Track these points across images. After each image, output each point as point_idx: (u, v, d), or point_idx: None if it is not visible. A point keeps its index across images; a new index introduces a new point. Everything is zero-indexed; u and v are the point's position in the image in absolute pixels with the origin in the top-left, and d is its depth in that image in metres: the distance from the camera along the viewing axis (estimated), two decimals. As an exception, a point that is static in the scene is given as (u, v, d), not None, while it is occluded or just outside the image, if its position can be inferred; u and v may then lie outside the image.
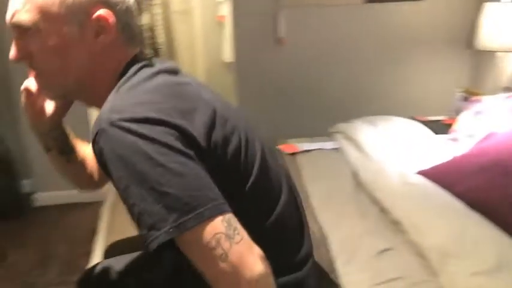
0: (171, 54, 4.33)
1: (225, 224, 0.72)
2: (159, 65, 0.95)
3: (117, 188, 0.75)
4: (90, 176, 1.14)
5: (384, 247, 1.47)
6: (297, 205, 1.03)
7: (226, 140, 0.85)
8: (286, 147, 2.30)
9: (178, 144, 0.74)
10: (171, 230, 0.70)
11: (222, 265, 0.71)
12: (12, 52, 0.85)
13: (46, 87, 0.91)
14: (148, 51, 4.15)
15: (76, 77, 0.88)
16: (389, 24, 2.93)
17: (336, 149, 2.25)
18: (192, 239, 0.72)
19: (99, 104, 0.89)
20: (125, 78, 0.87)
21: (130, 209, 0.74)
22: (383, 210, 1.69)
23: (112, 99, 0.81)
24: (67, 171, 1.11)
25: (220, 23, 4.38)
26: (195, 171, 0.73)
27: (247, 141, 0.92)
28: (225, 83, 4.49)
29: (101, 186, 1.18)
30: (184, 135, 0.76)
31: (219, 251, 0.71)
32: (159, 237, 0.71)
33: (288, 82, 2.97)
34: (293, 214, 0.99)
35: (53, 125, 1.02)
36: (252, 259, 0.73)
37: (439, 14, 2.93)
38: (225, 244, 0.71)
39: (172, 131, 0.75)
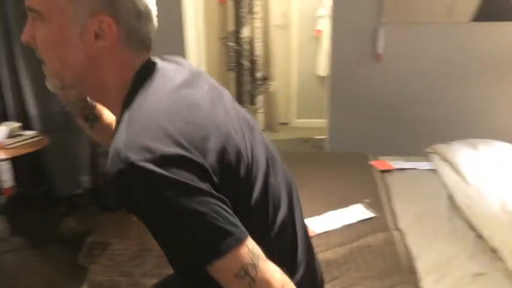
0: (267, 65, 4.48)
1: (250, 255, 0.77)
2: (172, 74, 0.90)
3: (149, 229, 0.77)
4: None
5: (478, 271, 1.40)
6: (291, 213, 1.03)
7: (237, 165, 0.85)
8: (378, 164, 2.26)
9: (198, 183, 0.75)
10: (204, 258, 0.75)
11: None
12: (23, 33, 0.86)
13: (48, 75, 0.90)
14: (245, 63, 4.30)
15: (74, 74, 0.87)
16: (496, 43, 2.77)
17: (431, 170, 2.17)
18: (220, 268, 0.76)
19: (108, 107, 0.93)
20: (139, 97, 0.82)
21: (166, 251, 0.78)
22: (479, 236, 1.61)
23: (126, 130, 0.77)
24: (92, 133, 1.16)
25: (317, 37, 4.46)
26: (214, 207, 0.76)
27: (252, 159, 0.90)
28: (318, 97, 4.54)
29: None
30: (202, 170, 0.77)
31: (247, 280, 0.76)
32: (189, 270, 0.77)
33: (383, 98, 2.92)
34: (289, 223, 1.00)
35: (79, 98, 1.05)
36: (275, 277, 0.79)
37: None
38: (252, 272, 0.76)
39: (192, 168, 0.75)
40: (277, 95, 4.59)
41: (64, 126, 3.00)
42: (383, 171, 2.23)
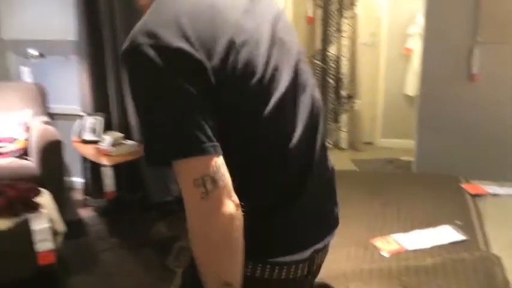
0: (353, 84, 4.48)
1: (214, 169, 0.79)
2: None
3: (135, 105, 0.83)
4: None
5: None
6: (310, 148, 0.98)
7: (244, 74, 0.85)
8: (470, 187, 2.18)
9: (189, 83, 0.78)
10: (166, 153, 0.79)
11: (201, 201, 0.79)
12: None
13: None
14: (330, 81, 4.33)
15: None
16: None
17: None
18: (181, 169, 0.79)
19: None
20: None
21: (141, 125, 0.83)
22: None
23: (146, 16, 0.84)
24: None
25: (406, 56, 4.38)
26: (196, 114, 0.78)
27: (268, 75, 0.89)
28: (404, 116, 4.45)
29: None
30: (199, 67, 0.79)
31: (201, 190, 0.78)
32: (152, 157, 0.82)
33: (476, 120, 2.81)
34: (301, 153, 0.95)
35: None
36: (228, 204, 0.80)
37: None
38: (209, 186, 0.78)
39: (189, 64, 0.78)
40: (362, 114, 4.55)
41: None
42: (475, 195, 2.15)
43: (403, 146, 4.48)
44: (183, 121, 0.79)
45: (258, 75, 0.87)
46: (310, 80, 1.01)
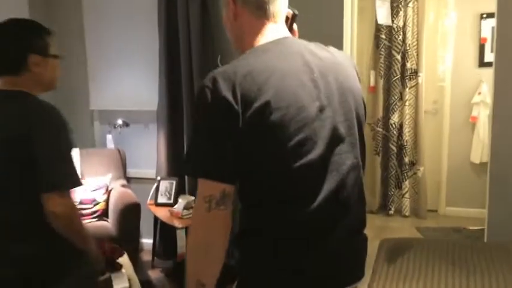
0: (416, 151, 4.47)
1: (220, 194, 1.01)
2: (272, 46, 1.11)
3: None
4: None
5: None
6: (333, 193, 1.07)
7: (274, 128, 1.01)
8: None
9: (224, 119, 1.00)
10: (194, 169, 1.05)
11: (204, 212, 1.01)
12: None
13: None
14: (393, 148, 4.34)
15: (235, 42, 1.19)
16: None
17: None
18: (200, 184, 1.02)
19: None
20: (245, 55, 1.10)
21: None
22: None
23: (230, 63, 1.08)
24: None
25: (471, 124, 4.36)
26: (224, 144, 1.00)
27: (306, 133, 1.03)
28: (470, 184, 4.35)
29: None
30: (234, 114, 0.99)
31: (206, 206, 1.01)
32: (185, 169, 1.11)
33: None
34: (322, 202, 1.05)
35: None
36: (220, 223, 1.03)
37: None
38: (213, 205, 1.01)
39: (228, 108, 0.99)
40: (426, 181, 4.50)
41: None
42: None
43: (468, 214, 4.35)
44: (210, 150, 1.01)
45: (283, 140, 1.02)
46: (348, 161, 1.11)
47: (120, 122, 3.49)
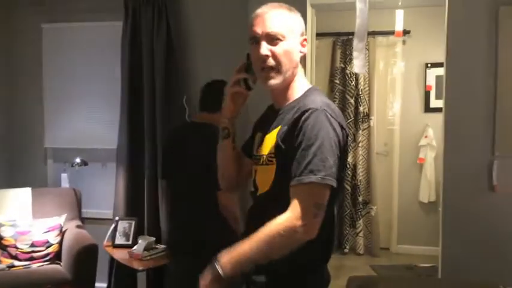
0: (369, 190, 4.64)
1: (325, 201, 1.25)
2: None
3: (298, 145, 1.26)
4: (238, 170, 1.55)
5: None
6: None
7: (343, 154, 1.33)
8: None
9: (338, 143, 1.27)
10: (319, 178, 1.22)
11: (307, 217, 1.21)
12: (263, 51, 1.34)
13: (273, 77, 1.36)
14: (347, 187, 4.47)
15: (291, 71, 1.38)
16: None
17: None
18: (313, 190, 1.24)
19: (282, 92, 1.40)
20: (311, 88, 1.42)
21: (302, 158, 1.25)
22: None
23: (311, 98, 1.35)
24: (230, 157, 1.52)
25: (419, 165, 4.61)
26: (335, 159, 1.26)
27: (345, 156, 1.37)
28: (420, 223, 4.55)
29: (239, 186, 1.63)
30: (342, 140, 1.30)
31: (315, 212, 1.22)
32: (312, 177, 1.23)
33: (499, 229, 2.90)
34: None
35: (237, 114, 1.49)
36: (316, 226, 1.23)
37: None
38: (321, 212, 1.23)
39: (341, 133, 1.29)
40: (378, 220, 4.65)
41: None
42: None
43: (418, 252, 4.53)
44: (335, 164, 1.27)
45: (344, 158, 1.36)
46: None
47: (78, 160, 3.38)
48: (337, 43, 4.60)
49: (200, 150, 2.21)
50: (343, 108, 4.61)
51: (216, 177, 1.59)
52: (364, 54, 2.87)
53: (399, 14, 3.85)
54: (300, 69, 1.43)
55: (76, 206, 3.38)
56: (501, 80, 2.85)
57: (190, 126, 2.64)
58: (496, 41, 2.84)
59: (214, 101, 2.41)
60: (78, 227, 3.24)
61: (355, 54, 2.89)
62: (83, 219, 3.44)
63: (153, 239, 3.13)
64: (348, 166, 4.60)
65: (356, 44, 2.87)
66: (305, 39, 1.41)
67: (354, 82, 4.53)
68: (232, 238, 1.39)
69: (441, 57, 3.03)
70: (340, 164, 1.28)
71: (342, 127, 1.31)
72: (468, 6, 2.87)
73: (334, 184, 1.24)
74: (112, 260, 3.22)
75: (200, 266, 1.33)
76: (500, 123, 2.87)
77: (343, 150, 1.31)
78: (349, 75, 4.53)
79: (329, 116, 1.27)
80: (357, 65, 2.91)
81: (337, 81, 4.58)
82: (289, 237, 1.21)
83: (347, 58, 4.53)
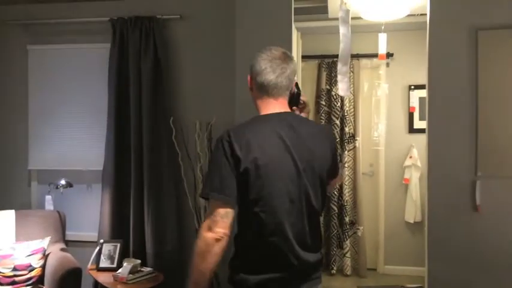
0: (355, 211, 4.65)
1: (223, 213, 1.46)
2: (264, 118, 1.63)
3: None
4: None
5: None
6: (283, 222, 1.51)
7: (250, 172, 1.49)
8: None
9: (227, 157, 1.48)
10: (207, 194, 1.48)
11: (206, 226, 1.48)
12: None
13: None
14: (334, 208, 4.48)
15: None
16: None
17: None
18: (209, 203, 1.49)
19: None
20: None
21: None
22: None
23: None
24: None
25: (405, 185, 4.65)
26: (228, 174, 1.47)
27: (264, 176, 1.49)
28: (406, 243, 4.57)
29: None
30: (234, 155, 1.48)
31: (209, 222, 1.47)
32: (203, 194, 1.52)
33: (483, 249, 2.93)
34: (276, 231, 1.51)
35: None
36: (211, 234, 1.47)
37: None
38: (215, 219, 1.46)
39: (232, 149, 1.48)
40: (365, 240, 4.65)
41: (175, 265, 3.25)
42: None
43: (405, 272, 4.53)
44: (221, 178, 1.49)
45: (259, 174, 1.49)
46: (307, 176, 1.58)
47: (63, 182, 3.35)
48: (323, 65, 4.67)
49: None
50: (329, 129, 4.66)
51: None
52: (348, 78, 2.93)
53: (382, 37, 3.94)
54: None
55: (60, 228, 3.33)
56: (481, 101, 2.92)
57: None
58: (476, 63, 2.93)
59: None
60: (62, 250, 3.19)
61: (339, 77, 2.95)
62: (67, 242, 3.38)
63: (139, 261, 3.10)
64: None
65: (340, 67, 2.93)
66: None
67: (339, 103, 4.59)
68: None
69: (423, 80, 3.09)
70: (242, 182, 1.49)
71: (237, 147, 1.49)
72: (448, 30, 2.95)
73: (219, 198, 1.47)
74: (96, 284, 3.17)
75: None
76: (482, 143, 2.93)
77: (244, 170, 1.48)
78: (334, 97, 4.59)
79: (224, 138, 1.51)
80: (342, 88, 2.96)
81: (323, 103, 4.64)
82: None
83: (332, 80, 4.60)
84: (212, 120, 3.16)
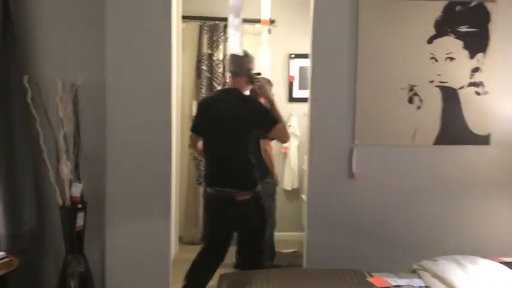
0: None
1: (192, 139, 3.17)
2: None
3: None
4: None
5: None
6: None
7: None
8: (375, 281, 2.28)
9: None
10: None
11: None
12: None
13: None
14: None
15: None
16: (455, 164, 3.08)
17: (425, 287, 2.23)
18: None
19: None
20: None
21: None
22: None
23: None
24: None
25: (284, 154, 4.70)
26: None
27: (207, 123, 2.95)
28: (285, 210, 4.65)
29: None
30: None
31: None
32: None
33: (359, 215, 3.05)
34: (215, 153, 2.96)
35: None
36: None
37: (505, 157, 3.07)
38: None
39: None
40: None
41: (32, 247, 2.87)
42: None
43: (282, 238, 4.61)
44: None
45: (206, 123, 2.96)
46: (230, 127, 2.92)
47: None
48: (204, 28, 4.42)
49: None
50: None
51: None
52: (240, 33, 2.69)
53: (266, 2, 3.82)
54: None
55: None
56: (360, 71, 2.97)
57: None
58: (357, 31, 2.96)
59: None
60: None
61: (231, 31, 2.70)
62: None
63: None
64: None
65: (231, 20, 2.69)
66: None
67: (221, 69, 4.42)
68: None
69: (304, 49, 3.05)
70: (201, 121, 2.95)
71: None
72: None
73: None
74: None
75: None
76: (359, 112, 3.00)
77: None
78: (216, 62, 4.40)
79: None
80: (233, 45, 2.72)
81: (204, 68, 4.42)
82: None
83: (214, 44, 4.39)
84: (78, 81, 2.75)
